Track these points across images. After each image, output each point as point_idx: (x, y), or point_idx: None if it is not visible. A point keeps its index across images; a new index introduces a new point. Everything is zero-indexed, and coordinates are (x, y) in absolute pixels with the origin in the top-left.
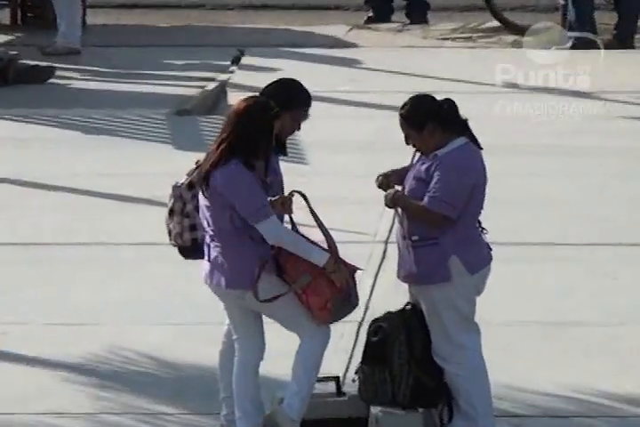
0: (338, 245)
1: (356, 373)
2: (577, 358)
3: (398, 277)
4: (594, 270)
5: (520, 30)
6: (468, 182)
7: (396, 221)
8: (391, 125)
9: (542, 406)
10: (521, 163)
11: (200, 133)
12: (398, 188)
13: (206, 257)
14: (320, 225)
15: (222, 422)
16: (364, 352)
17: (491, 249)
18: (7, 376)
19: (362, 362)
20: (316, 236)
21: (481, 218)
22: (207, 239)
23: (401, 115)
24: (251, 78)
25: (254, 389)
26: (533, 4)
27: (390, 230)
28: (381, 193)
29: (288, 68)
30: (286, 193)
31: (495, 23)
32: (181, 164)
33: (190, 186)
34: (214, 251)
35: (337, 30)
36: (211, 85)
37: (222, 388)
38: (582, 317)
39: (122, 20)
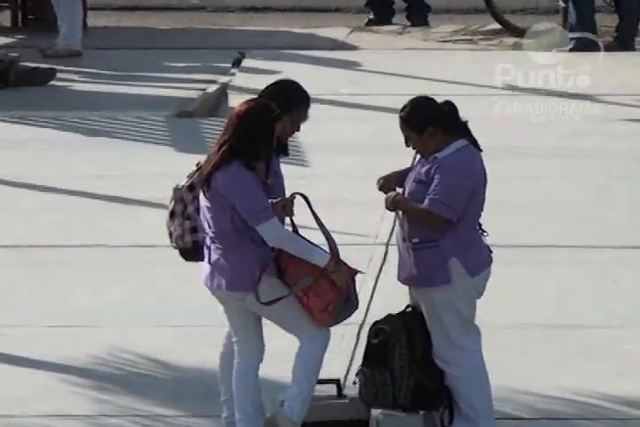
0: (339, 247)
1: (356, 375)
2: (577, 360)
3: (399, 279)
4: (594, 273)
5: (521, 32)
6: (468, 185)
7: (397, 223)
8: (391, 127)
9: (543, 408)
10: (521, 165)
11: (201, 136)
12: (399, 190)
13: (206, 259)
14: (321, 227)
15: (223, 424)
16: (365, 355)
17: (491, 251)
18: (6, 378)
19: (362, 364)
20: (318, 238)
21: (481, 220)
22: (207, 241)
23: (401, 117)
24: (252, 81)
25: (254, 391)
26: (534, 7)
27: (391, 233)
28: (382, 195)
29: (289, 71)
30: (287, 195)
31: (496, 25)
32: (182, 166)
33: (191, 188)
34: (215, 253)
35: (338, 32)
36: (212, 88)
37: (223, 390)
38: (582, 319)
39: (123, 22)
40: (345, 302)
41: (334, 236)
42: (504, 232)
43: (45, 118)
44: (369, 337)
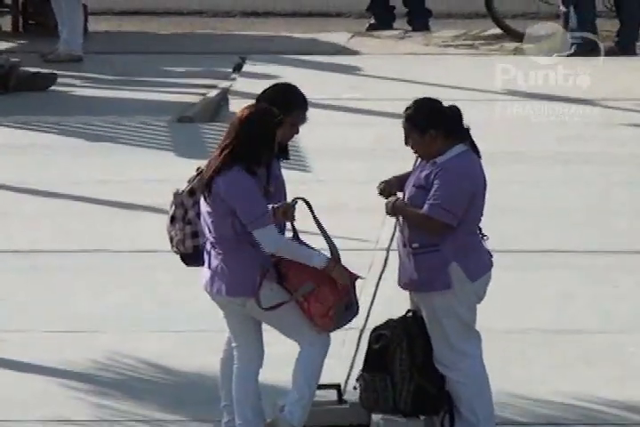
0: (340, 252)
1: (357, 380)
2: (577, 365)
3: (399, 284)
4: (594, 278)
5: (522, 37)
6: (468, 189)
7: (397, 229)
8: (393, 132)
9: (543, 413)
10: (522, 170)
11: (201, 140)
12: (399, 195)
13: (206, 264)
14: (323, 232)
15: None
16: (366, 360)
17: (491, 256)
18: (7, 383)
19: (363, 369)
20: (319, 243)
21: (482, 225)
22: (208, 247)
23: (406, 115)
24: (252, 86)
25: (254, 396)
26: (535, 11)
27: (392, 238)
28: (383, 200)
29: (290, 76)
30: (289, 200)
31: (497, 30)
32: (183, 171)
33: (191, 193)
34: (215, 258)
35: (339, 37)
36: (212, 93)
37: (223, 395)
38: (583, 324)
39: (123, 26)
40: (346, 308)
41: (335, 241)
42: (505, 237)
43: (47, 124)
44: (370, 342)
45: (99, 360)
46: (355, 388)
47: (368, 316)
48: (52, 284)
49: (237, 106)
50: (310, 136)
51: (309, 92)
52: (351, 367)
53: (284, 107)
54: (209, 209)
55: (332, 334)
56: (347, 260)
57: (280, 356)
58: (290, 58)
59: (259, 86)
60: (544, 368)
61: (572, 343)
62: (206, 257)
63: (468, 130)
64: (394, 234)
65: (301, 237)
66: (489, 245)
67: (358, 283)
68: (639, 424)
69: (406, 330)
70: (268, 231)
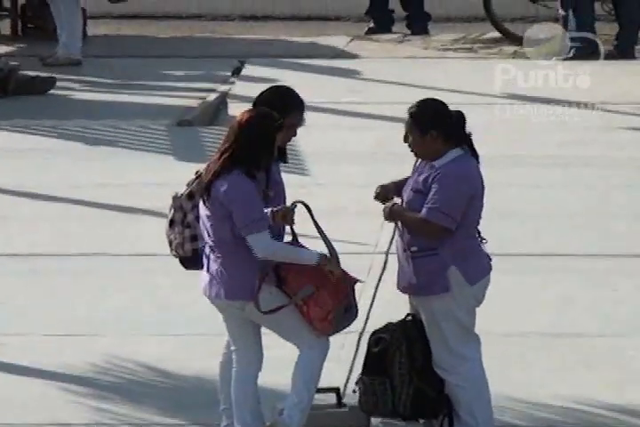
0: (339, 255)
1: (356, 384)
2: (577, 368)
3: (398, 287)
4: (594, 281)
5: (520, 41)
6: (466, 193)
7: (396, 233)
8: (392, 136)
9: (542, 416)
10: (521, 173)
11: (201, 144)
12: (397, 199)
13: (205, 268)
14: (322, 236)
15: None
16: (365, 363)
17: (490, 259)
18: (6, 387)
19: (362, 373)
20: (318, 246)
21: (481, 228)
22: (206, 250)
23: (410, 113)
24: (251, 89)
25: (253, 400)
26: (534, 15)
27: (391, 241)
28: (382, 204)
29: (289, 79)
30: (288, 204)
31: (496, 34)
32: (182, 174)
33: (190, 196)
34: (214, 262)
35: (338, 41)
36: (211, 96)
37: (222, 399)
38: (582, 327)
39: (122, 30)
40: (345, 311)
41: (335, 244)
42: (504, 240)
43: (46, 127)
44: (369, 346)
45: (98, 364)
46: (354, 391)
47: (367, 319)
48: (51, 287)
49: (236, 109)
50: (309, 139)
51: (308, 96)
52: (350, 371)
53: (282, 109)
54: (208, 213)
55: (332, 338)
56: (346, 263)
57: (279, 359)
58: (289, 61)
59: (258, 90)
60: (543, 372)
61: (572, 347)
62: (205, 261)
63: (469, 135)
64: (393, 237)
65: (301, 240)
66: (488, 248)
67: (357, 286)
68: None
69: (405, 333)
70: (262, 237)
